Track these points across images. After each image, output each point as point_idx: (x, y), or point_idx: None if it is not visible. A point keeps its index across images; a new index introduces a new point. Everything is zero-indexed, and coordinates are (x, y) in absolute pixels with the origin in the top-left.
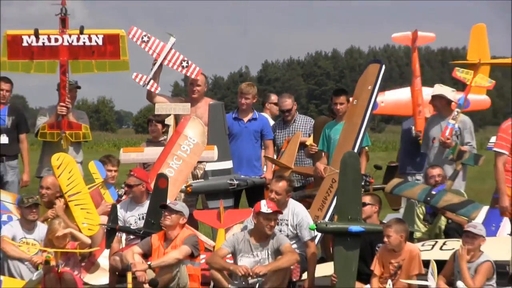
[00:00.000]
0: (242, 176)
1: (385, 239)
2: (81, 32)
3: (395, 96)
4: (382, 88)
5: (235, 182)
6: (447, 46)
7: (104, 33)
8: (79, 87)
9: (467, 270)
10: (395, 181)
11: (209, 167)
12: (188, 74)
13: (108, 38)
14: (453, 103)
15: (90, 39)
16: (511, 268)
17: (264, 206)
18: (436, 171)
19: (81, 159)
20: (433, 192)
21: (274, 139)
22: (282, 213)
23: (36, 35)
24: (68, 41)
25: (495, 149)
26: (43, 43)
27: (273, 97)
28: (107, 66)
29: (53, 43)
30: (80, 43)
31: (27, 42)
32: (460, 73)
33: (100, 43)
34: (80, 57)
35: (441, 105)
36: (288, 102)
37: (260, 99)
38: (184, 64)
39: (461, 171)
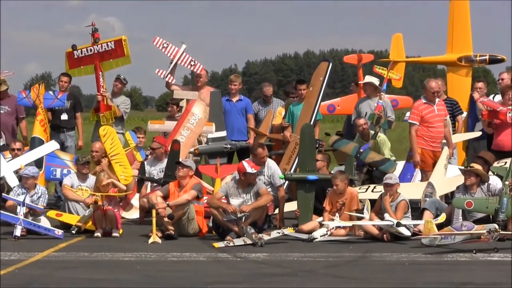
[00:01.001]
0: (233, 142)
1: (334, 186)
2: (74, 49)
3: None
4: (330, 85)
5: (229, 146)
6: (374, 49)
7: (113, 40)
8: (124, 82)
9: (390, 208)
10: (334, 138)
11: (210, 135)
12: (195, 70)
13: (117, 43)
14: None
15: (107, 45)
16: (422, 203)
17: (248, 167)
18: (361, 121)
19: (123, 130)
20: (361, 150)
21: (257, 114)
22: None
23: (74, 48)
24: (97, 50)
25: (409, 121)
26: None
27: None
28: (120, 62)
29: (89, 53)
30: (103, 49)
31: (76, 55)
32: (378, 69)
33: (113, 47)
34: (105, 59)
35: (370, 90)
36: (271, 89)
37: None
38: (192, 63)
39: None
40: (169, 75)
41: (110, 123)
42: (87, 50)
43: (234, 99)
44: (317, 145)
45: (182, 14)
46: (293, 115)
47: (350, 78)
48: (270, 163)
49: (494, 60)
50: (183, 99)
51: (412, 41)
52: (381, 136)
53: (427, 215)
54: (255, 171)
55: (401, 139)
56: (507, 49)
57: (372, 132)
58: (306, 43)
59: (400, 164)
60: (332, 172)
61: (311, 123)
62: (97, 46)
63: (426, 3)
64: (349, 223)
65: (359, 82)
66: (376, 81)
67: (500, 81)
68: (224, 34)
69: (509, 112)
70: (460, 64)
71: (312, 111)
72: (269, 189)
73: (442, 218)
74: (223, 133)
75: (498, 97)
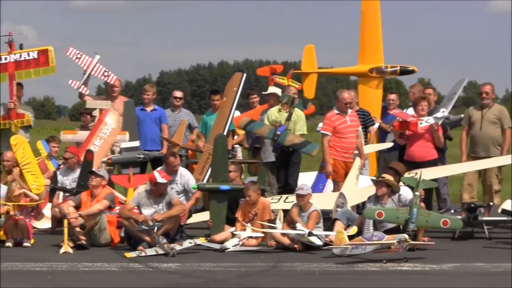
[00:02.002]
0: (146, 151)
1: (247, 197)
2: (21, 48)
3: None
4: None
5: (142, 156)
6: (288, 60)
7: (37, 50)
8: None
9: (299, 219)
10: (245, 119)
11: (123, 145)
12: (108, 80)
13: (41, 52)
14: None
15: (28, 55)
16: (333, 214)
17: (159, 177)
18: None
19: (29, 140)
20: (278, 132)
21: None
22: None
23: None
24: (14, 59)
25: (321, 131)
26: None
27: (178, 93)
28: (41, 71)
29: (3, 61)
30: (22, 58)
31: None
32: (278, 79)
33: (36, 56)
34: (23, 68)
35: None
36: (182, 95)
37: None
38: (106, 73)
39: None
40: (83, 86)
41: (18, 131)
42: (2, 59)
43: (149, 109)
44: (230, 156)
45: (96, 24)
46: (207, 125)
47: (264, 89)
48: (183, 171)
49: (405, 71)
50: (96, 108)
51: (326, 51)
52: (298, 112)
53: (339, 225)
54: (165, 181)
55: None
56: (419, 62)
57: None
58: (220, 53)
59: (312, 175)
60: (245, 182)
61: (225, 133)
62: (15, 55)
63: (340, 13)
64: (261, 233)
65: (262, 93)
66: (279, 91)
67: (411, 93)
68: (138, 43)
69: (420, 123)
70: (371, 75)
71: (226, 122)
72: (183, 198)
73: (353, 230)
74: (136, 143)
75: (411, 110)
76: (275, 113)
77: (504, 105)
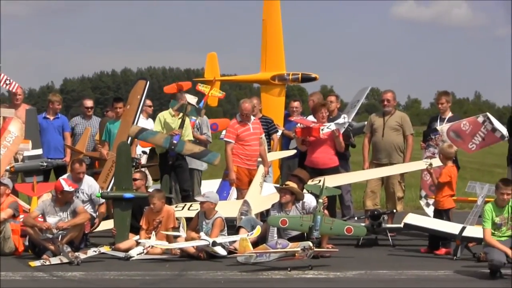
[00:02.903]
0: (49, 159)
1: (151, 205)
2: None
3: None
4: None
5: (45, 164)
6: (191, 67)
7: None
8: None
9: (201, 228)
10: (136, 128)
11: (26, 153)
12: (11, 88)
13: None
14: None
15: None
16: (238, 221)
17: (66, 185)
18: None
19: None
20: (174, 141)
21: (74, 129)
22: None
23: None
24: None
25: (225, 139)
26: None
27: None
28: None
29: None
30: None
31: None
32: (201, 87)
33: None
34: None
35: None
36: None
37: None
38: (7, 82)
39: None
40: None
41: None
42: None
43: (51, 117)
44: (134, 164)
45: None
46: (110, 133)
47: (167, 96)
48: (90, 181)
49: (306, 79)
50: None
51: (229, 59)
52: (186, 121)
53: (243, 232)
54: (72, 189)
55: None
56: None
57: None
58: (123, 60)
59: (216, 182)
60: (149, 190)
61: (128, 141)
62: None
63: (242, 21)
64: (165, 244)
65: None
66: (193, 99)
67: (311, 102)
68: (41, 49)
69: (322, 129)
70: (273, 83)
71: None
72: (89, 206)
73: (257, 231)
74: (39, 151)
75: (312, 117)
76: (168, 117)
77: (406, 112)
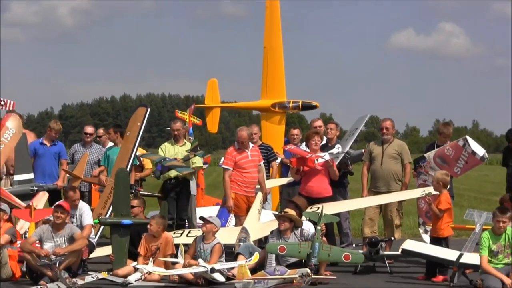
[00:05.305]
0: (40, 184)
1: (149, 230)
2: None
3: None
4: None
5: (35, 188)
6: (191, 94)
7: None
8: None
9: (200, 254)
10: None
11: (16, 177)
12: (7, 108)
13: None
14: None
15: None
16: (236, 248)
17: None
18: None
19: None
20: (166, 159)
21: (74, 156)
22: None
23: None
24: None
25: (223, 166)
26: None
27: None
28: None
29: None
30: None
31: None
32: (180, 113)
33: None
34: None
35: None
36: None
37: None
38: (2, 102)
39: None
40: None
41: None
42: None
43: (49, 144)
44: (132, 190)
45: None
46: (109, 159)
47: (166, 123)
48: (84, 207)
49: (307, 107)
50: None
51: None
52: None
53: (241, 259)
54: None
55: (216, 184)
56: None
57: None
58: (123, 86)
59: (215, 209)
60: (147, 216)
61: (128, 168)
62: None
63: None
64: (163, 271)
65: (166, 129)
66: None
67: (318, 128)
68: (40, 76)
69: (317, 159)
70: (274, 110)
71: (129, 156)
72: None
73: (255, 257)
74: (30, 175)
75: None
76: (169, 147)
77: (404, 140)
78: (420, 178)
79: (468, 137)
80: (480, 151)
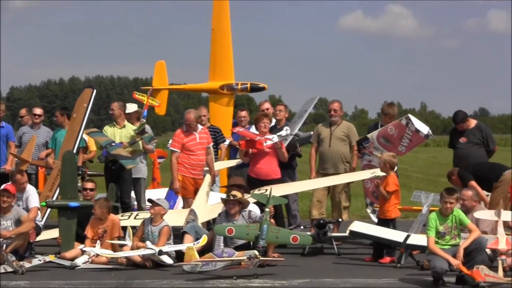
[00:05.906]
0: None
1: (94, 214)
2: None
3: None
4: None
5: None
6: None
7: None
8: None
9: (147, 237)
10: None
11: None
12: None
13: None
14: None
15: None
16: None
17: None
18: None
19: None
20: (113, 144)
21: (22, 138)
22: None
23: None
24: None
25: (171, 148)
26: None
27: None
28: None
29: None
30: None
31: None
32: (138, 95)
33: None
34: None
35: (134, 118)
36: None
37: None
38: None
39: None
40: None
41: None
42: None
43: None
44: (79, 172)
45: None
46: (57, 141)
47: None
48: (31, 189)
49: (255, 88)
50: None
51: (178, 68)
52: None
53: (187, 238)
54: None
55: (165, 166)
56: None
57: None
58: (71, 68)
59: (163, 191)
60: (95, 198)
61: (74, 150)
62: None
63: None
64: (110, 253)
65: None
66: (135, 107)
67: (265, 110)
68: None
69: (265, 142)
70: (222, 92)
71: (76, 138)
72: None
73: (203, 240)
74: None
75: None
76: (110, 130)
77: (353, 122)
78: (364, 158)
79: (410, 116)
80: (424, 128)
